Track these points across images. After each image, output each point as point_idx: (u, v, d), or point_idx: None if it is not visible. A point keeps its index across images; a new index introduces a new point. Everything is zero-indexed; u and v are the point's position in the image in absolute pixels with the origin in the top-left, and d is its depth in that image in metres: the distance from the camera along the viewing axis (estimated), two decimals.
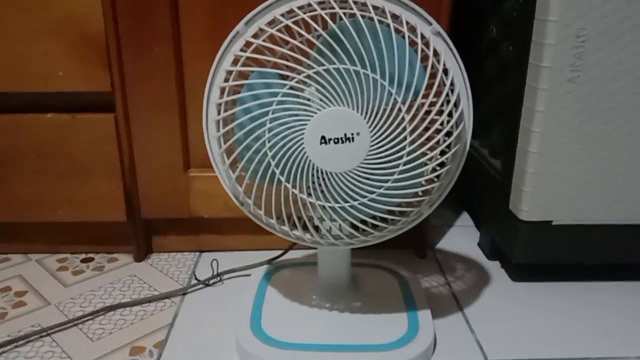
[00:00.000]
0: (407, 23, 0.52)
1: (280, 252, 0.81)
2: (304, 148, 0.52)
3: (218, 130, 0.56)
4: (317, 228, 0.58)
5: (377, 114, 0.51)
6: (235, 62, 0.55)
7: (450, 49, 0.53)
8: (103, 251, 0.87)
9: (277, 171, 0.53)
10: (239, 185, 0.57)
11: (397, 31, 0.51)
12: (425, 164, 0.53)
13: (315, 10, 0.52)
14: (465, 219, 0.99)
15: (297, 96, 0.51)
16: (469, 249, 0.88)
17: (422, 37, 0.52)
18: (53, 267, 0.83)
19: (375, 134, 0.51)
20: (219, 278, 0.79)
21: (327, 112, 0.51)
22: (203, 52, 0.74)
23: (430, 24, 0.53)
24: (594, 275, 0.79)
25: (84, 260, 0.85)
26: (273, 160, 0.53)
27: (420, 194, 0.56)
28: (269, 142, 0.52)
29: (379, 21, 0.50)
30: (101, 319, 0.70)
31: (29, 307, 0.73)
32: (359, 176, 0.53)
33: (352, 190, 0.54)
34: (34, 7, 0.71)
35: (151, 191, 0.80)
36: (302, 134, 0.52)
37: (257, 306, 0.67)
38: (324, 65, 0.50)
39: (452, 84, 0.53)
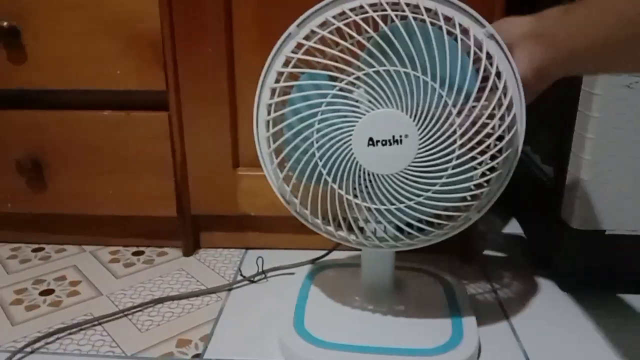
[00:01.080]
0: (460, 25, 0.51)
1: (324, 252, 0.81)
2: (351, 149, 0.52)
3: (268, 131, 0.56)
4: (362, 229, 0.58)
5: (426, 116, 0.51)
6: (286, 64, 0.55)
7: (504, 52, 0.52)
8: (153, 245, 0.89)
9: (324, 172, 0.54)
10: (286, 184, 0.57)
11: (450, 33, 0.51)
12: (475, 168, 0.53)
13: (367, 12, 0.52)
14: (513, 226, 0.97)
15: (346, 97, 0.51)
16: (517, 256, 0.87)
17: (475, 39, 0.52)
18: (106, 259, 0.86)
19: (424, 136, 0.51)
20: (263, 275, 0.80)
21: (376, 114, 0.51)
22: (254, 52, 0.75)
23: (484, 27, 0.52)
24: None
25: (135, 254, 0.87)
26: (320, 160, 0.53)
27: (468, 198, 0.56)
28: (316, 142, 0.53)
29: (431, 23, 0.50)
30: (150, 311, 0.72)
31: (82, 296, 0.76)
32: (406, 179, 0.53)
33: (399, 193, 0.53)
34: (91, 7, 0.73)
35: (201, 188, 0.82)
36: (350, 135, 0.52)
37: (301, 305, 0.67)
38: (374, 67, 0.50)
39: (504, 87, 0.52)
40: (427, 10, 0.51)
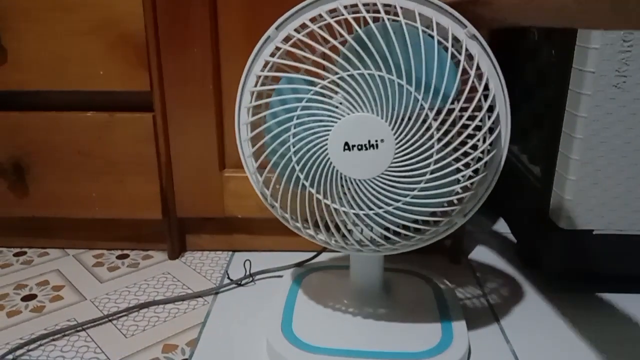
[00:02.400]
0: (438, 24, 0.50)
1: (312, 254, 0.81)
2: (327, 154, 0.52)
3: (248, 134, 0.56)
4: (343, 234, 0.57)
5: (402, 120, 0.50)
6: (265, 67, 0.55)
7: (487, 52, 0.52)
8: (138, 248, 0.88)
9: (302, 176, 0.53)
10: (266, 188, 0.57)
11: (431, 36, 0.50)
12: (459, 170, 0.52)
13: (344, 14, 0.51)
14: (501, 226, 0.97)
15: (322, 102, 0.51)
16: (505, 256, 0.87)
17: (457, 40, 0.51)
18: (89, 262, 0.84)
19: (400, 140, 0.50)
20: (251, 278, 0.79)
21: (351, 118, 0.50)
22: (240, 53, 0.74)
23: (465, 27, 0.52)
24: (636, 287, 0.76)
25: (119, 257, 0.86)
26: (297, 165, 0.53)
27: (455, 202, 0.55)
28: (293, 146, 0.52)
29: (409, 25, 0.49)
30: (135, 316, 0.71)
31: (65, 301, 0.74)
32: (384, 184, 0.52)
33: (377, 198, 0.53)
34: (76, 8, 0.72)
35: (186, 190, 0.81)
36: (326, 139, 0.51)
37: (289, 308, 0.67)
38: (348, 70, 0.49)
39: (487, 88, 0.51)
40: (406, 11, 0.50)
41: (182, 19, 0.72)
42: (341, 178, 0.53)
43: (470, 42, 0.51)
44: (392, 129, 0.50)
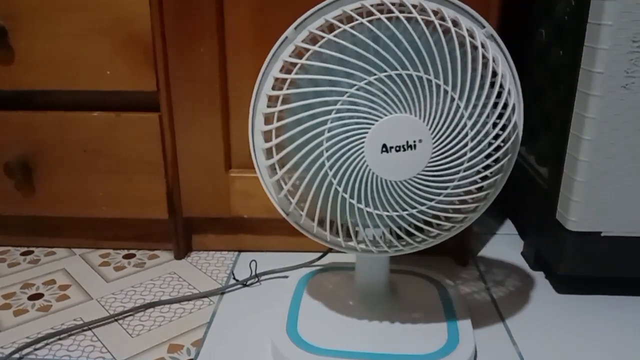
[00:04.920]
0: (468, 30, 0.50)
1: (318, 254, 0.81)
2: (364, 157, 0.51)
3: (266, 141, 0.53)
4: (356, 234, 0.57)
5: (439, 120, 0.50)
6: (282, 69, 0.53)
7: (503, 53, 0.52)
8: (144, 248, 0.88)
9: (335, 181, 0.51)
10: (290, 197, 0.55)
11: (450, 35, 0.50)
12: (480, 171, 0.53)
13: (373, 13, 0.50)
14: (508, 228, 0.96)
15: (356, 104, 0.50)
16: (512, 258, 0.86)
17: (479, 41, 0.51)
18: (96, 262, 0.85)
19: (437, 140, 0.50)
20: (257, 279, 0.79)
21: (389, 119, 0.50)
22: (247, 53, 0.74)
23: (484, 27, 0.52)
24: None
25: (125, 257, 0.86)
26: (330, 170, 0.51)
27: (474, 191, 0.55)
28: (327, 151, 0.51)
29: (428, 23, 0.49)
30: (141, 316, 0.71)
31: (72, 300, 0.74)
32: (419, 184, 0.52)
33: (411, 198, 0.53)
34: (83, 9, 0.73)
35: (193, 190, 0.81)
36: (362, 142, 0.50)
37: (294, 309, 0.67)
38: (385, 71, 0.49)
39: (502, 86, 0.51)
40: (435, 13, 0.50)
41: (188, 18, 0.72)
42: (376, 181, 0.52)
43: (489, 43, 0.51)
44: (430, 128, 0.50)
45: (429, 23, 0.49)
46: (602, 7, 0.61)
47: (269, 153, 0.54)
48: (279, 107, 0.52)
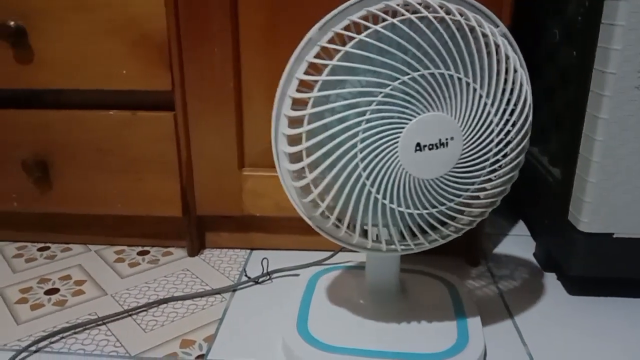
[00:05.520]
0: (490, 28, 0.51)
1: (329, 253, 0.81)
2: (397, 156, 0.51)
3: (292, 145, 0.52)
4: (374, 235, 0.57)
5: (469, 117, 0.51)
6: (307, 72, 0.52)
7: (516, 52, 0.52)
8: (158, 245, 0.89)
9: (368, 183, 0.51)
10: (320, 200, 0.54)
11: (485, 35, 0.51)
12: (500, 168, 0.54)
13: (404, 14, 0.50)
14: (520, 228, 0.96)
15: (389, 104, 0.50)
16: (524, 259, 0.86)
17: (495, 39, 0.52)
18: (111, 258, 0.86)
19: (467, 137, 0.51)
20: (268, 277, 0.80)
21: (423, 118, 0.50)
22: (260, 52, 0.75)
23: (497, 26, 0.52)
24: None
25: (140, 253, 0.87)
26: (364, 172, 0.51)
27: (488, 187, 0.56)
28: (360, 152, 0.50)
29: (455, 23, 0.50)
30: (154, 311, 0.72)
31: (87, 295, 0.76)
32: (449, 181, 0.53)
33: (441, 195, 0.53)
34: (98, 8, 0.74)
35: (206, 189, 0.82)
36: (397, 142, 0.51)
37: (304, 307, 0.67)
38: (418, 70, 0.49)
39: (521, 85, 0.52)
40: (453, 13, 0.51)
41: (203, 18, 0.73)
42: (408, 180, 0.52)
43: (503, 42, 0.52)
44: (460, 125, 0.51)
45: (456, 23, 0.50)
46: (615, 7, 0.60)
47: (296, 157, 0.53)
48: (309, 110, 0.51)
